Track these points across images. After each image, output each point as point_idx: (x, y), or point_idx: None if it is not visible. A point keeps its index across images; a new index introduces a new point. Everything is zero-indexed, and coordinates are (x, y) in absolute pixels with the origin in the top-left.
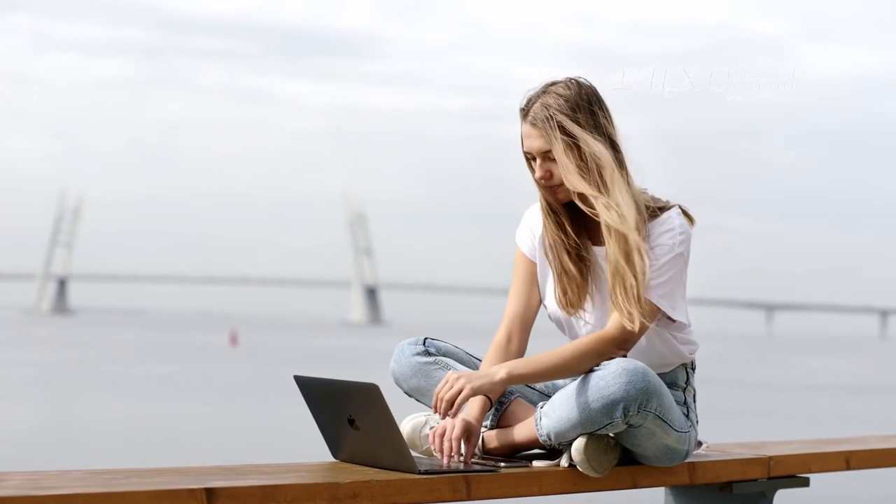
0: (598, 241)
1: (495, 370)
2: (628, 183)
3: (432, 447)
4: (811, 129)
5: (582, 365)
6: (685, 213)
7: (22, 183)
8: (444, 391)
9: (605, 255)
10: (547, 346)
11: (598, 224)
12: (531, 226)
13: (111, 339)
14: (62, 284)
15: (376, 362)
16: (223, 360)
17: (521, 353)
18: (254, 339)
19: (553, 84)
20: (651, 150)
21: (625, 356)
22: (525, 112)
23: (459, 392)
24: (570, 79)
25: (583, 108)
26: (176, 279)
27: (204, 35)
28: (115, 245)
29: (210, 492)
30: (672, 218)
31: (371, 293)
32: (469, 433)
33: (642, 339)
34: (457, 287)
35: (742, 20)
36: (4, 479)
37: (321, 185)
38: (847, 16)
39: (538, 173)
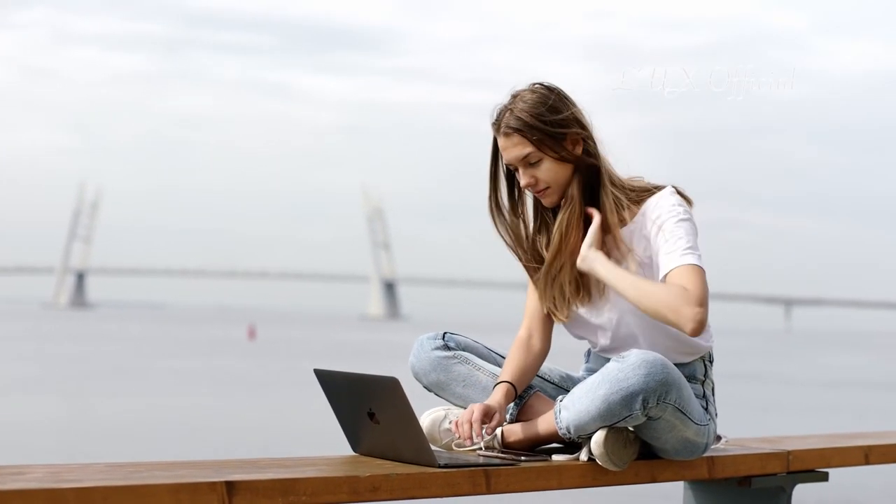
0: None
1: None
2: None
3: (455, 434)
4: (833, 125)
5: (654, 301)
6: (680, 193)
7: (40, 177)
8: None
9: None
10: (568, 345)
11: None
12: None
13: (129, 332)
14: (80, 278)
15: (395, 356)
16: (241, 355)
17: (545, 349)
18: (272, 333)
19: (518, 93)
20: (672, 147)
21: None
22: (497, 125)
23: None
24: (534, 83)
25: (552, 108)
26: (194, 273)
27: (223, 29)
28: (134, 239)
29: (230, 485)
30: (666, 194)
31: (389, 287)
32: (489, 416)
33: (659, 330)
34: (475, 282)
35: (762, 15)
36: (26, 472)
37: (340, 180)
38: (869, 10)
39: (523, 181)
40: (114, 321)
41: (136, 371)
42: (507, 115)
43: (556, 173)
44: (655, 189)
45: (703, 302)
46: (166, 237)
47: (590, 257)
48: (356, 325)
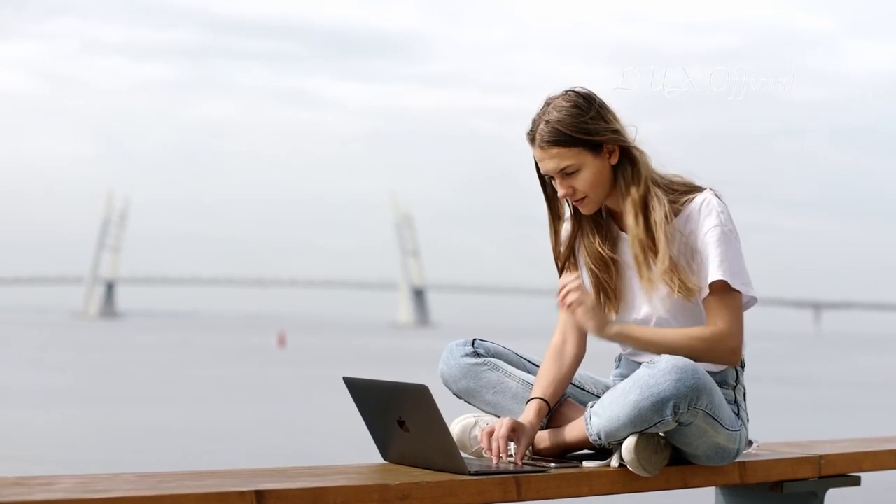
0: None
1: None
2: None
3: (482, 445)
4: (858, 126)
5: (686, 349)
6: (717, 196)
7: (69, 186)
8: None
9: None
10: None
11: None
12: None
13: (159, 342)
14: (110, 288)
15: (425, 363)
16: (271, 362)
17: (579, 355)
18: (302, 341)
19: (551, 101)
20: (699, 150)
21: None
22: (532, 136)
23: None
24: (567, 91)
25: (586, 116)
26: (224, 281)
27: (249, 37)
28: (163, 248)
29: (259, 494)
30: (709, 199)
31: (418, 294)
32: (518, 433)
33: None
34: (504, 288)
35: (787, 17)
36: (55, 483)
37: (368, 187)
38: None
39: (561, 191)
40: (144, 330)
41: (167, 380)
42: (541, 126)
43: (594, 183)
44: (697, 190)
45: (734, 333)
46: (195, 246)
47: (615, 328)
48: (386, 333)
